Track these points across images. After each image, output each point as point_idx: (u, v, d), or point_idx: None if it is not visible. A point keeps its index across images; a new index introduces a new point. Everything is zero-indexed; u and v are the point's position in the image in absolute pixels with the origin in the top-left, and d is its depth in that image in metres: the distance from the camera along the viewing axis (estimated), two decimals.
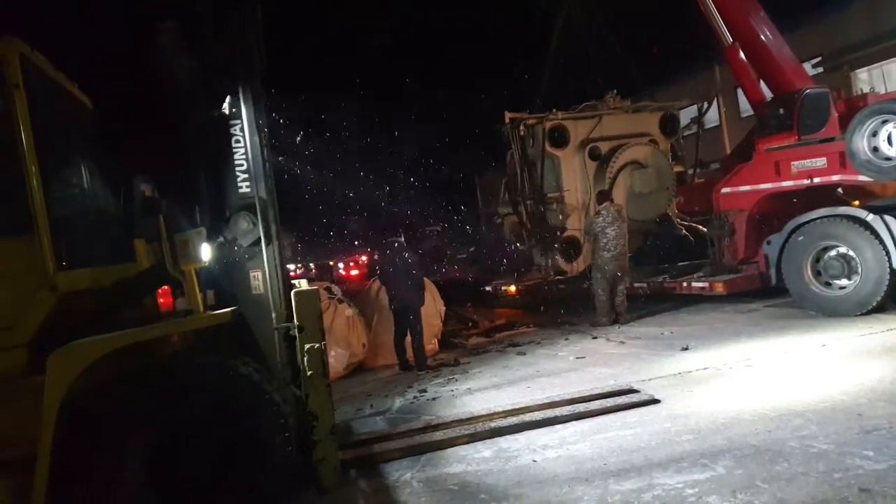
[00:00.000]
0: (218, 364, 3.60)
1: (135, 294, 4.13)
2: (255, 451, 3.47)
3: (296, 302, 3.89)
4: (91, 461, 3.20)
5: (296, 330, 3.88)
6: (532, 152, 10.57)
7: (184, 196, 4.21)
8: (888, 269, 6.79)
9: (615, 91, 11.13)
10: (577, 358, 6.99)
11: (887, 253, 6.78)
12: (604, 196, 9.21)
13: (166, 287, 4.22)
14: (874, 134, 7.08)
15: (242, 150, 4.03)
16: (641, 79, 11.84)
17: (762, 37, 8.82)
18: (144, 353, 3.56)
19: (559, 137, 10.49)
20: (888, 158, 7.00)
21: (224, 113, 4.07)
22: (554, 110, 10.62)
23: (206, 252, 3.89)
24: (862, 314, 6.94)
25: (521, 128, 10.52)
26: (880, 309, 6.92)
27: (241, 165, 4.04)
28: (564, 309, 10.06)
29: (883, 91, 11.51)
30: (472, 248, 15.67)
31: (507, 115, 10.51)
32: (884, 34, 15.01)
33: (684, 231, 10.20)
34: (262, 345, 3.98)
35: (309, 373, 3.80)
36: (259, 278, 4.04)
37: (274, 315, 3.97)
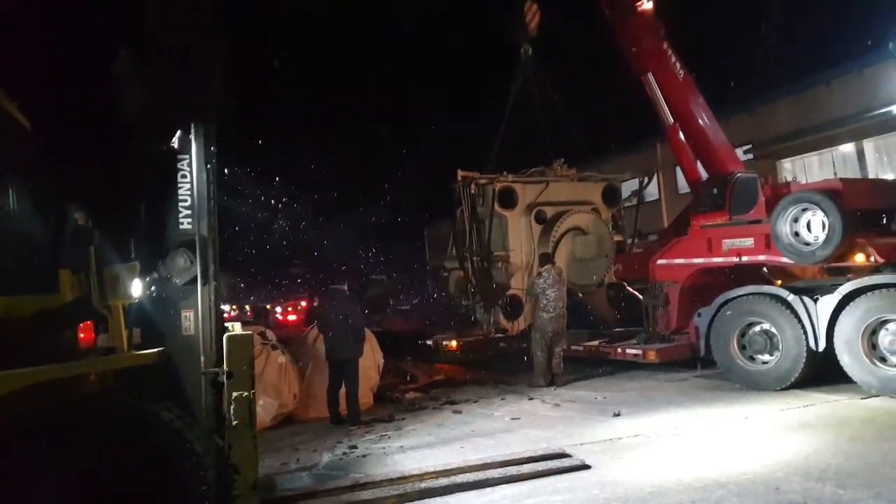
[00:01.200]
0: (136, 408, 3.41)
1: (54, 327, 3.90)
2: (170, 502, 3.28)
3: (227, 347, 3.77)
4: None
5: (224, 376, 3.74)
6: (481, 211, 10.78)
7: (120, 228, 4.08)
8: (805, 348, 7.12)
9: (563, 159, 11.59)
10: (513, 419, 6.96)
11: (805, 332, 7.13)
12: (546, 258, 9.43)
13: (89, 322, 4.02)
14: (796, 220, 7.52)
15: (188, 186, 3.96)
16: (588, 150, 12.40)
17: (700, 121, 9.45)
18: (58, 390, 3.34)
19: (508, 199, 10.77)
20: (807, 244, 7.43)
21: (173, 147, 4.00)
22: (504, 172, 10.95)
23: (136, 288, 3.74)
24: (781, 389, 7.22)
25: (473, 186, 10.75)
26: (798, 385, 7.21)
27: (185, 201, 3.96)
28: (503, 367, 10.08)
29: (804, 181, 12.39)
30: (415, 301, 15.62)
31: (460, 174, 10.74)
32: (806, 130, 16.36)
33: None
34: (187, 389, 3.81)
35: (234, 422, 3.65)
36: (191, 319, 3.90)
37: (203, 359, 3.82)
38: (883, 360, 6.62)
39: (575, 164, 11.95)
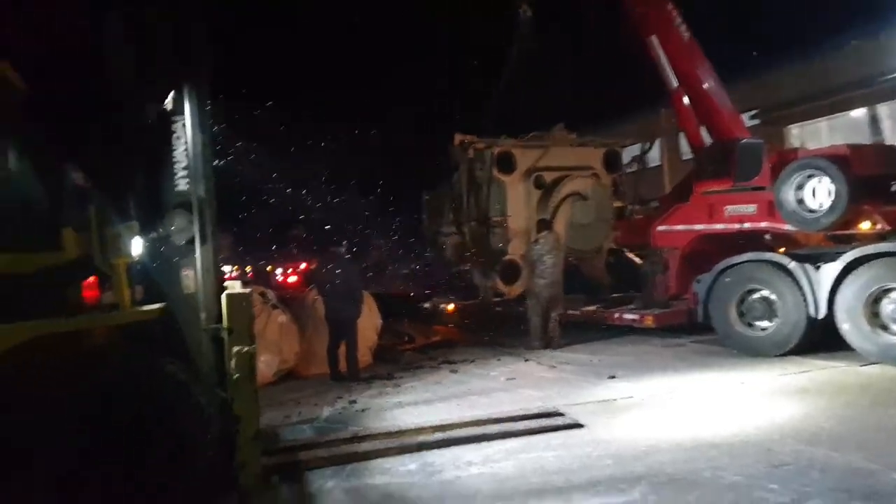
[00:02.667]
0: (142, 361, 3.50)
1: (58, 284, 3.96)
2: (177, 451, 3.39)
3: (227, 304, 3.83)
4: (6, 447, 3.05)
5: (225, 332, 3.81)
6: (480, 175, 10.71)
7: (119, 188, 4.10)
8: (805, 315, 7.14)
9: (563, 123, 11.46)
10: (508, 379, 7.07)
11: (805, 299, 7.13)
12: (544, 224, 9.43)
13: (92, 280, 4.07)
14: (800, 187, 7.47)
15: (183, 147, 3.98)
16: (589, 114, 12.26)
17: (705, 85, 9.30)
18: (66, 344, 3.41)
19: (506, 163, 10.68)
20: (811, 211, 7.39)
21: (167, 108, 4.00)
22: (503, 136, 10.84)
23: (136, 247, 3.78)
24: (779, 355, 7.26)
25: (471, 150, 10.66)
26: (796, 352, 7.26)
27: (181, 162, 3.98)
28: (500, 331, 10.18)
29: (812, 147, 12.27)
30: (413, 265, 15.67)
31: (457, 137, 10.63)
32: (815, 95, 16.07)
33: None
34: (189, 345, 3.89)
35: (236, 376, 3.73)
36: (191, 277, 3.95)
37: (204, 316, 3.88)
38: (884, 328, 6.60)
39: (575, 128, 11.83)
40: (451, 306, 11.28)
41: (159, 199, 3.98)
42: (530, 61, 11.33)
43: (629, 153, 12.77)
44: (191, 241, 3.91)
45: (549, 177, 10.82)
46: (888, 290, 6.63)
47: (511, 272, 10.61)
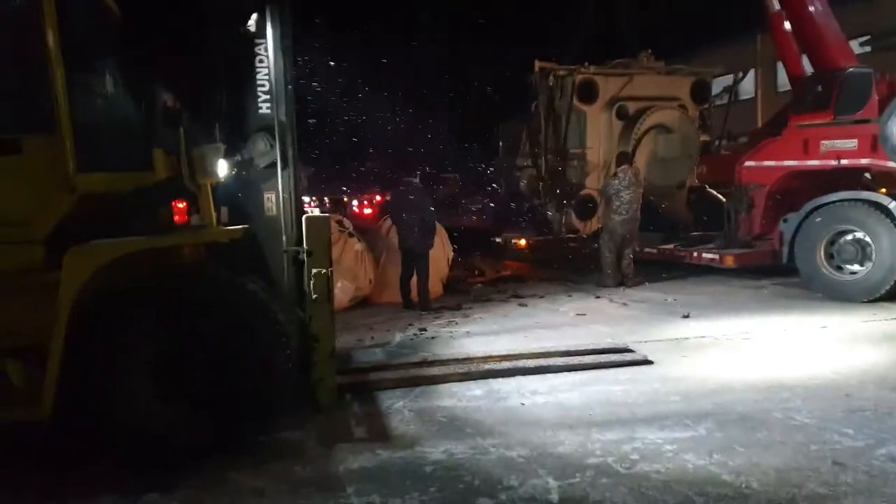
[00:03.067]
0: (227, 279, 3.66)
1: (150, 203, 4.18)
2: (257, 365, 3.53)
3: (306, 227, 3.98)
4: (98, 357, 3.30)
5: (304, 254, 3.97)
6: (559, 105, 10.36)
7: (204, 111, 4.23)
8: None
9: (650, 51, 10.82)
10: (578, 315, 7.07)
11: None
12: (624, 158, 9.11)
13: (183, 205, 4.26)
14: None
15: (265, 71, 4.03)
16: (678, 40, 11.48)
17: (811, 7, 8.48)
18: (156, 261, 3.64)
19: (588, 92, 10.26)
20: None
21: (250, 31, 4.05)
22: (586, 64, 10.36)
23: (222, 168, 3.92)
24: (868, 301, 6.93)
25: (551, 78, 10.28)
26: (888, 297, 6.89)
27: (263, 86, 4.05)
28: (572, 268, 10.10)
29: None
30: (486, 199, 15.63)
31: (537, 64, 10.25)
32: None
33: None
34: (270, 266, 4.07)
35: (314, 296, 3.92)
36: (273, 200, 4.10)
37: (284, 238, 4.05)
38: None
39: (663, 55, 11.15)
40: (522, 241, 11.23)
41: (243, 122, 4.09)
42: None
43: (720, 84, 11.98)
44: (272, 165, 4.04)
45: (632, 107, 10.35)
46: None
47: (587, 208, 10.39)
